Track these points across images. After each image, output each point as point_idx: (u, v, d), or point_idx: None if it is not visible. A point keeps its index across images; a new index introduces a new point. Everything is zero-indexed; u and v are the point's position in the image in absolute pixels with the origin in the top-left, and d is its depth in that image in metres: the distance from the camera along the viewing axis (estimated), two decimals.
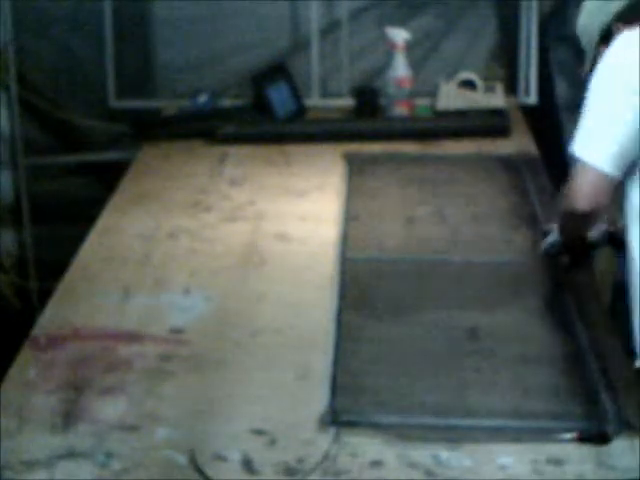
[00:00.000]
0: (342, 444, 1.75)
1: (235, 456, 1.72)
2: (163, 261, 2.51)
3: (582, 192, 2.13)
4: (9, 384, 1.94)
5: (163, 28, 3.81)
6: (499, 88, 3.60)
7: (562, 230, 2.38)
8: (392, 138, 3.42)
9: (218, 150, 3.33)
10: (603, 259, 2.67)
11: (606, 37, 2.26)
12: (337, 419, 1.82)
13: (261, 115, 3.56)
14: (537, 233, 2.59)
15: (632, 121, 2.08)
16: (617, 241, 2.34)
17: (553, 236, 2.44)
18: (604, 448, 1.72)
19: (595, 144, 2.12)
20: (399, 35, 3.54)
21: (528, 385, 1.93)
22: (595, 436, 1.73)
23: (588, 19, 2.34)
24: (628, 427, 1.77)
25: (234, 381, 1.96)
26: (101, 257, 2.54)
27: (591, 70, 2.26)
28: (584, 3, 2.37)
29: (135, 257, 2.53)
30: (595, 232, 2.39)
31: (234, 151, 3.32)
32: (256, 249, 2.58)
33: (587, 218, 2.22)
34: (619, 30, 2.23)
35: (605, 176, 2.11)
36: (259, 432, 1.79)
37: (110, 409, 1.86)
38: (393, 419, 1.82)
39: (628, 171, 2.14)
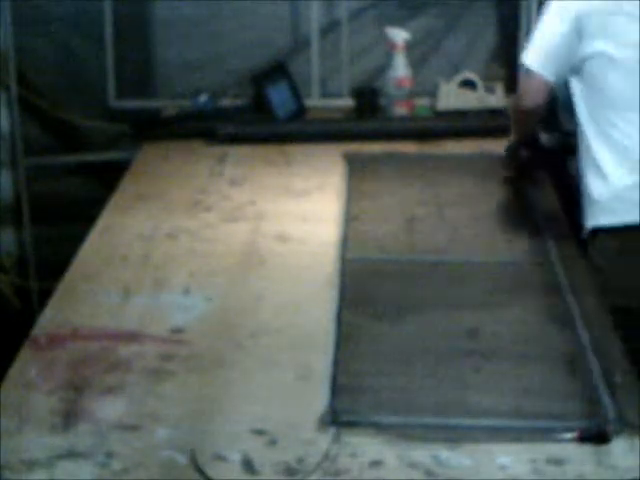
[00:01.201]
0: (342, 444, 1.75)
1: (235, 456, 1.72)
2: (163, 261, 2.51)
3: (526, 92, 2.65)
4: (9, 384, 1.94)
5: (163, 28, 3.81)
6: (499, 88, 3.60)
7: (515, 128, 2.90)
8: (392, 138, 3.42)
9: (218, 150, 3.33)
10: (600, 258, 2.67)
11: None
12: (337, 419, 1.82)
13: (261, 115, 3.56)
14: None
15: (563, 35, 2.52)
16: (568, 146, 2.79)
17: (510, 139, 2.93)
18: (604, 448, 1.72)
19: (537, 53, 2.58)
20: (399, 35, 3.55)
21: (528, 385, 1.93)
22: (595, 436, 1.73)
23: None
24: (628, 427, 1.77)
25: (234, 381, 1.96)
26: (101, 257, 2.54)
27: None
28: None
29: (135, 257, 2.53)
30: (549, 138, 2.97)
31: (234, 151, 3.32)
32: (256, 249, 2.58)
33: (530, 114, 2.72)
34: None
35: (542, 79, 2.58)
36: (259, 432, 1.79)
37: (110, 409, 1.86)
38: (393, 419, 1.82)
39: (567, 75, 2.57)
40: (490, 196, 2.91)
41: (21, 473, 1.68)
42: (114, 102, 3.77)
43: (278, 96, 3.58)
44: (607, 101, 2.53)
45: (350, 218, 2.75)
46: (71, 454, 1.73)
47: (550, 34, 2.56)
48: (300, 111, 3.65)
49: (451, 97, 3.57)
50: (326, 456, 1.71)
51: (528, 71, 2.60)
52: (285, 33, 3.83)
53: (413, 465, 1.69)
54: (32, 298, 3.55)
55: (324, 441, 1.75)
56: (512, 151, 2.94)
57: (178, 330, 2.16)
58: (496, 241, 2.62)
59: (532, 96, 2.63)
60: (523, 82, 2.66)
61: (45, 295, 2.37)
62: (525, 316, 2.21)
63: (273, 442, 1.76)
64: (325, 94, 3.79)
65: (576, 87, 2.58)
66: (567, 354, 2.03)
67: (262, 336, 2.14)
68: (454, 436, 1.76)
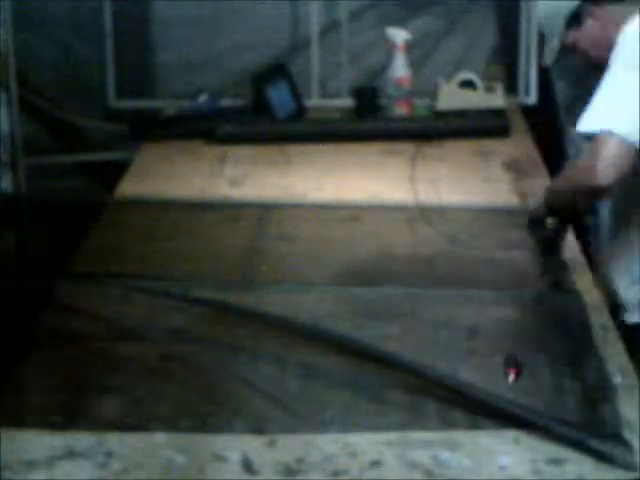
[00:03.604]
0: (342, 444, 1.75)
1: (235, 456, 1.72)
2: (163, 261, 2.51)
3: (606, 165, 2.05)
4: (9, 384, 1.94)
5: (163, 28, 3.81)
6: (499, 88, 3.60)
7: (555, 202, 2.30)
8: (392, 138, 3.42)
9: (218, 150, 3.33)
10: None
11: (573, 21, 2.26)
12: (336, 417, 1.81)
13: (261, 115, 3.56)
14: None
15: None
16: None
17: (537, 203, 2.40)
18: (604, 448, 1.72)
19: (621, 114, 2.07)
20: (399, 35, 3.55)
21: (528, 385, 1.93)
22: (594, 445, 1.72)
23: (552, 5, 2.30)
24: (628, 427, 1.76)
25: (234, 381, 1.96)
26: (101, 257, 2.54)
27: (558, 56, 2.27)
28: None
29: (135, 256, 2.53)
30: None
31: (234, 151, 3.33)
32: (256, 249, 2.58)
33: (605, 192, 2.13)
34: (590, 13, 2.22)
35: (630, 146, 2.06)
36: (259, 432, 1.78)
37: (110, 409, 1.86)
38: (393, 418, 1.82)
39: None
40: (490, 196, 2.91)
41: (21, 473, 1.68)
42: (114, 102, 3.77)
43: (278, 96, 3.58)
44: None
45: (350, 218, 2.75)
46: (71, 454, 1.73)
47: (627, 87, 2.09)
48: (300, 111, 3.65)
49: (451, 97, 3.57)
50: (326, 456, 1.71)
51: (607, 137, 2.07)
52: (285, 33, 3.83)
53: (413, 465, 1.69)
54: (32, 298, 3.54)
55: (324, 441, 1.75)
56: (536, 221, 2.44)
57: (178, 330, 2.16)
58: (496, 241, 2.62)
59: (610, 170, 2.06)
60: (601, 152, 2.07)
61: (45, 295, 2.37)
62: (525, 316, 2.21)
63: (273, 442, 1.76)
64: (325, 94, 3.79)
65: None
66: (567, 354, 2.03)
67: (262, 336, 2.14)
68: (454, 436, 1.76)
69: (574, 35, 2.29)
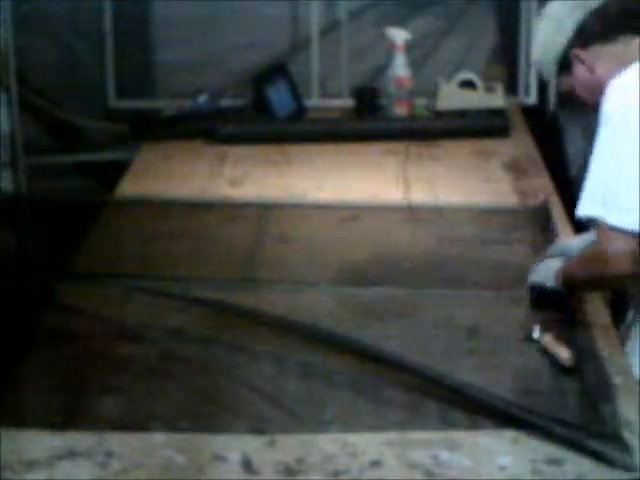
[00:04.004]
0: (342, 444, 1.75)
1: (235, 456, 1.72)
2: (163, 261, 2.51)
3: (619, 258, 1.94)
4: (9, 384, 1.94)
5: (163, 28, 3.82)
6: (499, 88, 3.60)
7: (576, 284, 2.14)
8: (392, 138, 3.42)
9: (218, 150, 3.33)
10: None
11: (564, 67, 2.12)
12: (336, 417, 1.82)
13: (261, 115, 3.56)
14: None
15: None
16: None
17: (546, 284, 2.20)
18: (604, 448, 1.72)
19: (622, 206, 1.93)
20: (399, 35, 3.55)
21: (528, 385, 1.93)
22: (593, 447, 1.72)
23: (542, 50, 2.15)
24: (628, 427, 1.76)
25: (234, 381, 1.96)
26: (101, 257, 2.54)
27: (560, 104, 2.13)
28: (534, 36, 2.18)
29: (135, 257, 2.53)
30: None
31: (234, 151, 3.33)
32: (256, 249, 2.58)
33: (628, 280, 2.01)
34: (576, 56, 2.08)
35: (634, 233, 1.92)
36: (259, 432, 1.78)
37: (110, 409, 1.86)
38: (393, 418, 1.82)
39: None
40: (490, 195, 2.91)
41: (21, 473, 1.68)
42: (114, 102, 3.77)
43: (278, 96, 3.58)
44: None
45: (350, 218, 2.75)
46: (71, 454, 1.72)
47: (633, 173, 1.92)
48: (300, 111, 3.65)
49: (451, 97, 3.57)
50: (326, 456, 1.71)
51: (613, 230, 1.93)
52: (285, 33, 3.84)
53: (413, 465, 1.69)
54: (32, 298, 3.54)
55: (324, 441, 1.75)
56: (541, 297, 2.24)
57: (178, 330, 2.16)
58: (496, 241, 2.62)
59: (628, 261, 1.93)
60: (610, 245, 1.95)
61: (45, 295, 2.37)
62: (525, 316, 2.21)
63: (273, 442, 1.76)
64: (325, 94, 3.80)
65: None
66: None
67: (262, 336, 2.14)
68: (454, 436, 1.76)
69: (567, 81, 2.16)
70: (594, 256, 2.02)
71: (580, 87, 2.12)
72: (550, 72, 2.16)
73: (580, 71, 2.09)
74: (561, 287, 2.15)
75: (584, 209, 1.99)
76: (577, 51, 2.08)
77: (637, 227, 1.91)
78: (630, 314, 2.17)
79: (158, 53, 3.84)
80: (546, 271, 2.20)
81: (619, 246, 1.93)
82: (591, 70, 2.08)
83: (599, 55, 2.07)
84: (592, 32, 2.07)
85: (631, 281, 2.02)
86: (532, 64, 2.18)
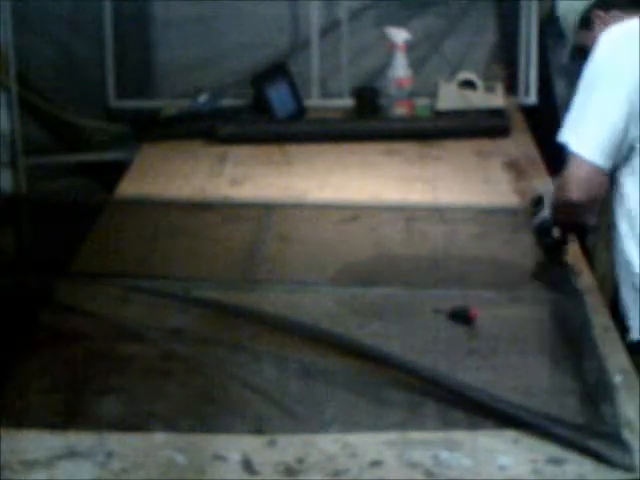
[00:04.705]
0: (342, 444, 1.75)
1: (235, 456, 1.72)
2: (163, 261, 2.51)
3: (576, 183, 2.18)
4: (9, 384, 1.94)
5: (163, 28, 3.82)
6: (499, 88, 3.60)
7: (555, 215, 2.37)
8: (392, 138, 3.42)
9: (218, 150, 3.33)
10: (603, 262, 2.68)
11: (585, 22, 2.34)
12: (336, 417, 1.82)
13: (261, 115, 3.56)
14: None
15: (621, 116, 2.15)
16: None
17: (544, 213, 2.43)
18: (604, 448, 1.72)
19: (587, 137, 2.17)
20: (399, 35, 3.55)
21: (528, 385, 1.93)
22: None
23: (568, 4, 2.40)
24: (628, 427, 1.76)
25: (234, 381, 1.96)
26: (101, 257, 2.54)
27: (572, 56, 2.40)
28: None
29: (135, 257, 2.53)
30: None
31: (234, 151, 3.33)
32: (256, 249, 2.58)
33: (582, 207, 2.23)
34: (598, 16, 2.30)
35: (598, 168, 2.16)
36: (259, 432, 1.79)
37: (110, 409, 1.86)
38: (393, 418, 1.82)
39: (620, 161, 2.20)
40: (490, 195, 2.91)
41: (21, 473, 1.68)
42: (114, 102, 3.77)
43: (278, 96, 3.58)
44: None
45: (350, 218, 2.75)
46: (71, 454, 1.73)
47: (601, 111, 2.17)
48: (300, 111, 3.65)
49: (451, 97, 3.57)
50: (326, 456, 1.71)
51: (577, 157, 2.18)
52: (285, 33, 3.84)
53: (413, 465, 1.69)
54: (32, 298, 3.54)
55: (324, 441, 1.75)
56: (543, 230, 2.46)
57: (178, 330, 2.16)
58: (496, 241, 2.62)
59: (581, 189, 2.18)
60: (572, 170, 2.19)
61: (45, 295, 2.37)
62: (525, 316, 2.21)
63: (273, 442, 1.76)
64: (325, 94, 3.80)
65: (626, 183, 2.22)
66: (567, 354, 2.03)
67: (262, 336, 2.14)
68: (454, 436, 1.76)
69: (585, 36, 2.36)
70: (560, 182, 2.24)
71: (594, 45, 2.25)
72: (570, 28, 2.39)
73: (599, 31, 2.26)
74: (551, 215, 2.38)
75: (561, 135, 2.21)
76: (599, 12, 2.31)
77: (597, 158, 2.14)
78: (591, 238, 2.39)
79: (158, 53, 3.84)
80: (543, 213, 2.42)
81: (578, 174, 2.17)
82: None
83: (618, 20, 2.25)
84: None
85: (584, 209, 2.23)
86: (557, 18, 2.46)
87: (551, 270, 2.40)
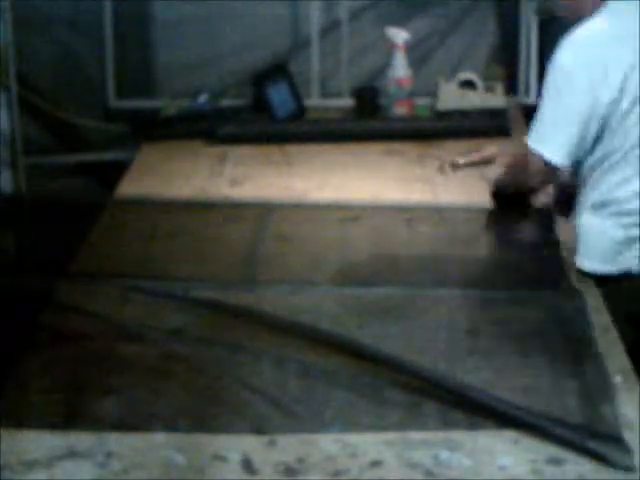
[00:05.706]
0: (342, 444, 1.75)
1: (235, 456, 1.72)
2: (164, 261, 2.51)
3: (532, 173, 2.48)
4: (9, 384, 1.94)
5: (163, 28, 3.82)
6: (499, 88, 3.60)
7: (505, 179, 2.68)
8: (392, 138, 3.42)
9: (218, 150, 3.33)
10: None
11: None
12: (336, 417, 1.82)
13: (261, 115, 3.56)
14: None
15: (581, 121, 2.33)
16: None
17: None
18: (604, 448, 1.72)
19: (548, 140, 2.39)
20: (399, 35, 3.55)
21: (528, 385, 1.93)
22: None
23: None
24: (628, 427, 1.76)
25: (234, 381, 1.96)
26: (101, 257, 2.54)
27: (541, 12, 2.63)
28: None
29: (135, 257, 2.53)
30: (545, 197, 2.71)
31: (234, 151, 3.33)
32: (256, 249, 2.58)
33: (532, 190, 2.61)
34: None
35: (554, 166, 2.41)
36: (259, 432, 1.78)
37: (110, 409, 1.86)
38: (393, 418, 1.82)
39: (597, 161, 2.37)
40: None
41: (21, 473, 1.68)
42: (114, 102, 3.77)
43: (278, 96, 3.59)
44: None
45: (350, 218, 2.75)
46: (71, 454, 1.73)
47: (563, 115, 2.37)
48: (300, 111, 3.65)
49: (451, 97, 3.57)
50: (326, 456, 1.71)
51: (537, 154, 2.43)
52: (285, 33, 3.84)
53: (413, 465, 1.69)
54: (32, 298, 3.54)
55: (324, 441, 1.75)
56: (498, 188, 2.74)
57: (178, 330, 2.16)
58: (496, 240, 2.62)
59: (539, 179, 2.53)
60: (531, 162, 2.46)
61: (45, 295, 2.37)
62: (525, 316, 2.21)
63: (273, 442, 1.76)
64: (325, 94, 3.80)
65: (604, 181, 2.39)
66: (567, 354, 2.03)
67: (262, 336, 2.14)
68: (454, 436, 1.76)
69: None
70: (519, 165, 2.56)
71: (565, 8, 2.48)
72: None
73: None
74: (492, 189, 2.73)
75: (530, 140, 2.44)
76: None
77: (555, 158, 2.38)
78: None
79: (158, 53, 3.84)
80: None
81: (538, 166, 2.43)
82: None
83: None
84: None
85: (535, 192, 2.64)
86: None
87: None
